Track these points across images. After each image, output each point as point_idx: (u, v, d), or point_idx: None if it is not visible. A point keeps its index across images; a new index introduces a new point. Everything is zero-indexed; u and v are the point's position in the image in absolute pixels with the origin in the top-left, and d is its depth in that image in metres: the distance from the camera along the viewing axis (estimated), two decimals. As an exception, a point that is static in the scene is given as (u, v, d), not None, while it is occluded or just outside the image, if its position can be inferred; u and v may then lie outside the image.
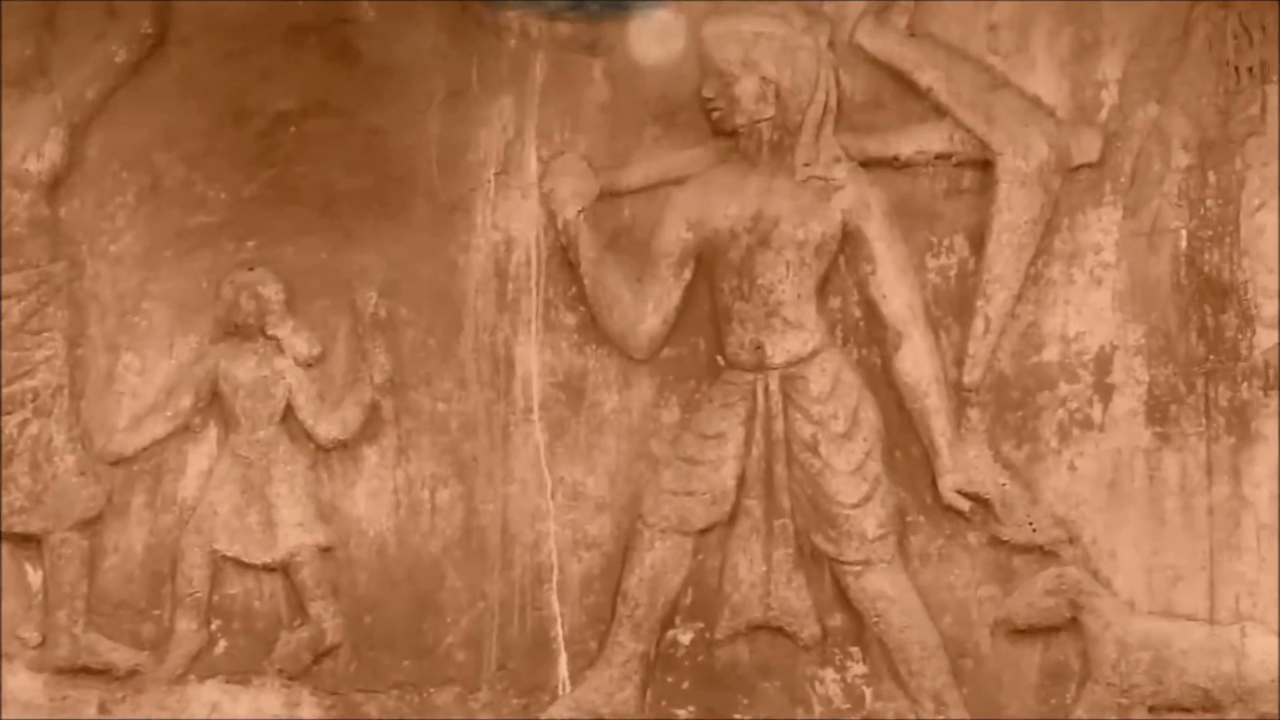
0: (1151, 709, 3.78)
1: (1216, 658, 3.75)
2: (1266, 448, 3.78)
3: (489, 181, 4.00)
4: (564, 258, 3.99)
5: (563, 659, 3.95)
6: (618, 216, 3.98)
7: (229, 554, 4.09)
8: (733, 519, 3.91)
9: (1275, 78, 3.81)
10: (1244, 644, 3.74)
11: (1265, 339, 3.79)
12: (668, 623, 3.95)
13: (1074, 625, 3.82)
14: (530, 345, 4.00)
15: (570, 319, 4.00)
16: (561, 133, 4.00)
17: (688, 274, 3.94)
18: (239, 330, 4.09)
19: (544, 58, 4.01)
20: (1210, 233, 3.82)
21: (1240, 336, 3.81)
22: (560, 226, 3.98)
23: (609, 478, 3.97)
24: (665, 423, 3.96)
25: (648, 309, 3.94)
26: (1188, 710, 3.77)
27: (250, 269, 4.11)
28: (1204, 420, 3.80)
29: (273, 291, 4.07)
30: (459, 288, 4.01)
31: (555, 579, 3.96)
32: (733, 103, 3.90)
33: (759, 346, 3.88)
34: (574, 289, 3.99)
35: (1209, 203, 3.82)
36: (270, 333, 4.07)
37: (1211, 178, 3.82)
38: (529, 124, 4.00)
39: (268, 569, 4.07)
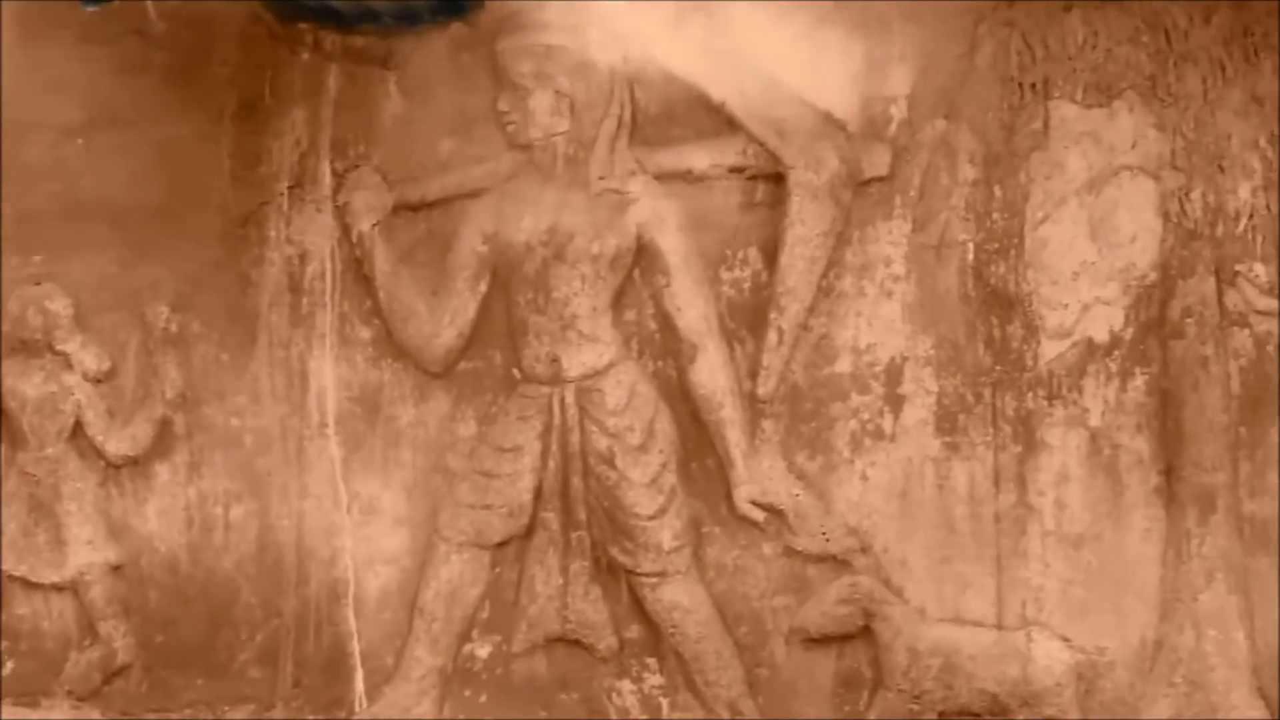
0: (942, 714, 3.84)
1: (1003, 662, 3.81)
2: (1051, 456, 3.86)
3: (283, 194, 3.97)
4: (359, 271, 3.96)
5: (359, 675, 3.94)
6: (413, 230, 3.97)
7: (16, 574, 4.02)
8: (530, 532, 3.92)
9: (1058, 93, 3.90)
10: (1030, 648, 3.81)
11: (1050, 350, 3.87)
12: (465, 637, 3.94)
13: (866, 633, 3.86)
14: (325, 359, 3.98)
15: (365, 333, 3.99)
16: (356, 146, 3.99)
17: (483, 287, 3.95)
18: (25, 346, 4.03)
19: (338, 70, 3.99)
20: (996, 245, 3.89)
21: (1025, 347, 3.89)
22: (355, 240, 3.96)
23: (405, 492, 3.97)
24: (462, 436, 3.96)
25: (443, 322, 3.94)
26: (977, 715, 3.83)
27: (37, 283, 4.05)
28: (991, 430, 3.88)
29: (60, 306, 4.01)
30: (252, 302, 3.98)
31: (351, 594, 3.95)
32: (527, 116, 3.91)
33: (555, 360, 3.90)
34: (369, 303, 3.97)
35: (995, 216, 3.90)
36: (58, 348, 4.01)
37: (997, 191, 3.90)
38: (323, 137, 3.98)
39: (57, 588, 4.00)
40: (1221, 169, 3.76)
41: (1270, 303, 3.74)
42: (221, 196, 3.91)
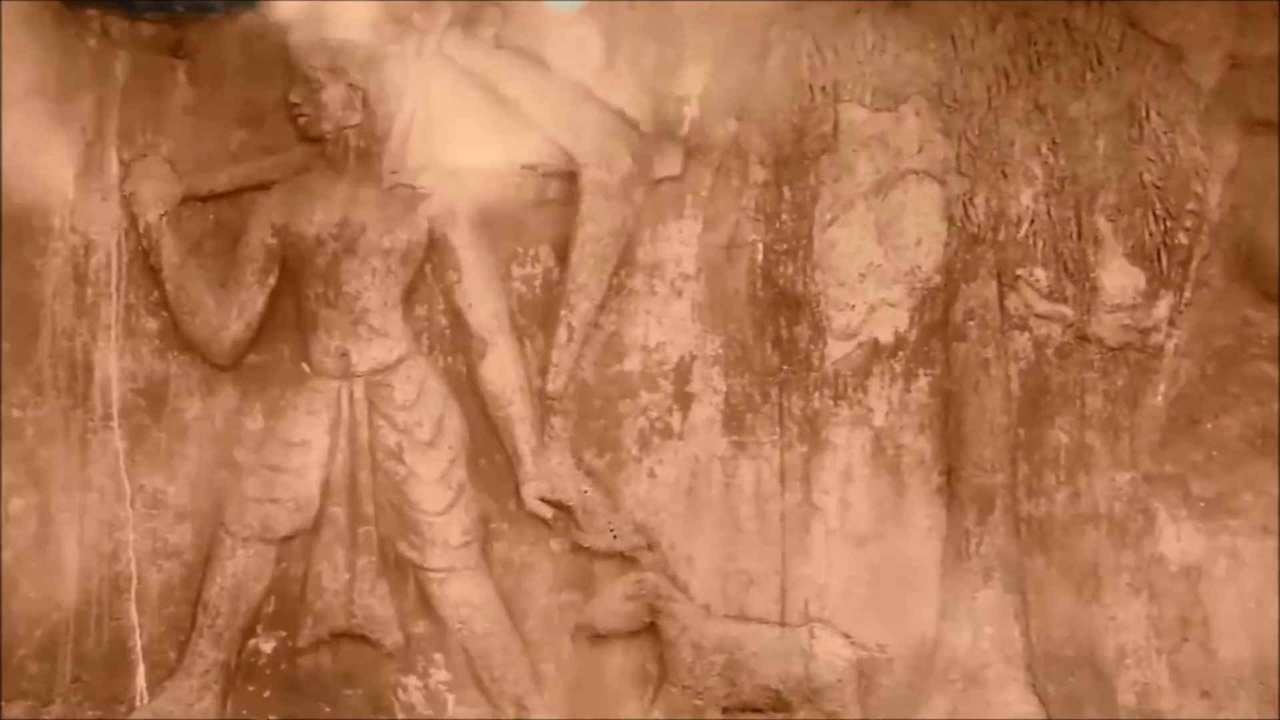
0: (725, 710, 3.89)
1: (786, 659, 3.87)
2: (835, 456, 3.93)
3: (68, 183, 3.95)
4: (145, 262, 3.90)
5: (140, 670, 3.90)
6: (202, 221, 3.93)
7: None
8: (317, 527, 3.90)
9: (847, 97, 3.97)
10: (812, 645, 3.87)
11: (836, 350, 3.93)
12: (249, 631, 3.92)
13: (652, 629, 3.90)
14: (110, 351, 3.93)
15: (152, 324, 3.95)
16: (144, 134, 3.94)
17: (272, 280, 3.93)
18: None
19: (126, 58, 3.94)
20: (785, 246, 3.95)
21: (813, 348, 3.95)
22: (142, 230, 3.91)
23: (191, 486, 3.93)
24: (249, 430, 3.93)
25: (231, 315, 3.92)
26: (759, 710, 3.88)
27: None
28: (778, 429, 3.94)
29: None
30: (35, 292, 3.91)
31: (134, 589, 3.90)
32: (319, 109, 3.90)
33: (344, 354, 3.90)
34: (156, 294, 3.91)
35: (784, 217, 3.95)
36: None
37: (787, 193, 3.95)
38: (110, 125, 3.93)
39: None
40: (1004, 175, 3.83)
41: (1050, 307, 3.83)
42: (3, 185, 3.85)
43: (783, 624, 3.79)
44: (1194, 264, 3.81)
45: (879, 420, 3.82)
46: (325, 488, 3.81)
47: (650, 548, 3.80)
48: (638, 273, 3.82)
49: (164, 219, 3.83)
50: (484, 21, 3.81)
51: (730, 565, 3.79)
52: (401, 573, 3.81)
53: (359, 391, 3.79)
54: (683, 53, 3.83)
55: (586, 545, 3.79)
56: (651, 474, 3.81)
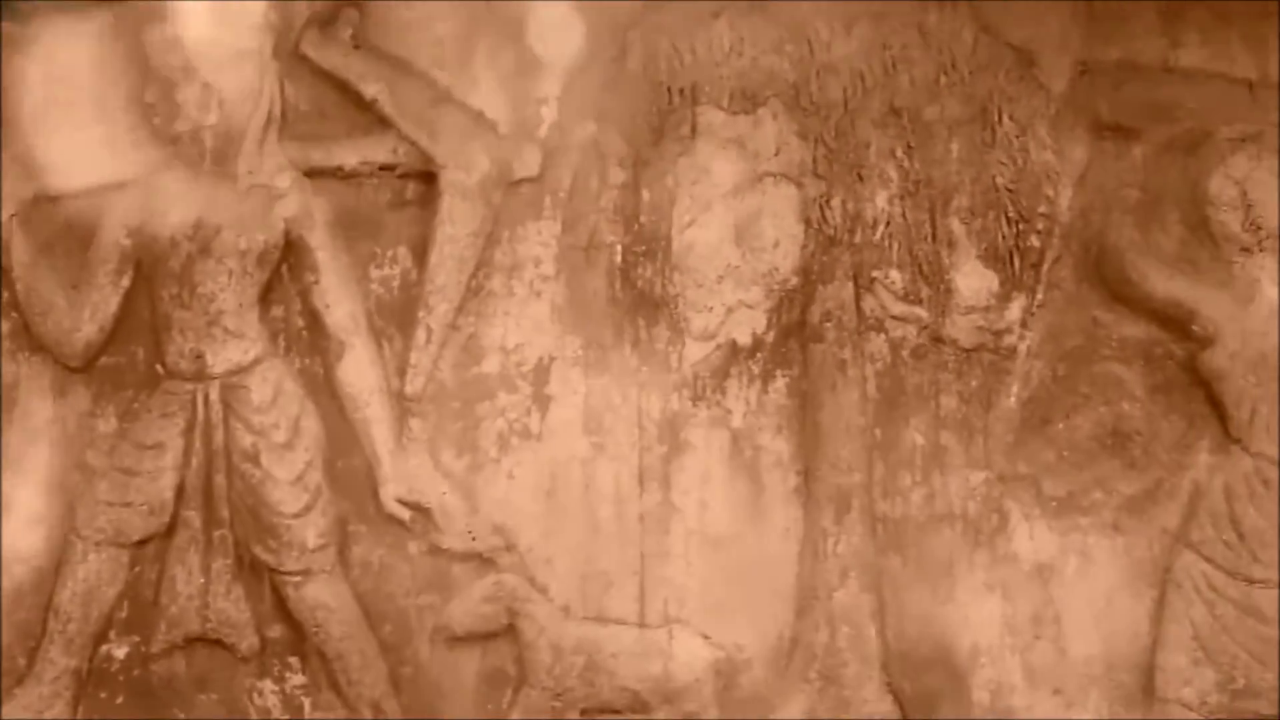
0: (584, 711, 3.89)
1: (645, 660, 3.87)
2: (695, 456, 3.95)
3: (-87, 183, 3.88)
4: (-5, 262, 3.88)
5: (-10, 676, 3.86)
6: (53, 220, 3.92)
7: None
8: (171, 530, 3.86)
9: (705, 99, 4.00)
10: (671, 646, 3.87)
11: (694, 351, 3.96)
12: (101, 637, 3.87)
13: (511, 631, 3.89)
14: (-41, 352, 3.90)
15: (2, 325, 3.92)
16: (-6, 134, 3.90)
17: (126, 281, 3.89)
18: None
19: (-23, 57, 3.91)
20: (644, 248, 3.96)
21: (671, 349, 3.97)
22: (-9, 229, 3.88)
23: (42, 490, 3.89)
24: (102, 433, 3.88)
25: (84, 316, 3.88)
26: (618, 712, 3.89)
27: None
28: (637, 430, 3.96)
29: None
30: (-117, 292, 3.87)
31: (-17, 594, 3.87)
32: (174, 109, 3.88)
33: (199, 356, 3.87)
34: (6, 295, 3.89)
35: (642, 219, 3.97)
36: None
37: (645, 195, 3.97)
38: (-41, 125, 3.90)
39: None
40: (860, 177, 3.88)
41: (905, 308, 3.88)
42: None
43: (642, 625, 3.80)
44: (1045, 266, 3.87)
45: (737, 421, 3.84)
46: (180, 491, 3.78)
47: (509, 549, 3.80)
48: (496, 274, 3.83)
49: (14, 218, 3.77)
50: (341, 21, 3.81)
51: (589, 566, 3.80)
52: (257, 576, 3.79)
53: (214, 394, 3.77)
54: (541, 54, 3.82)
55: (445, 547, 3.79)
56: (510, 475, 3.81)
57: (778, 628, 3.80)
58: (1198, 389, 3.84)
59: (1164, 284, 3.81)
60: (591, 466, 3.80)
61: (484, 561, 3.79)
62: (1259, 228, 3.79)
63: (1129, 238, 3.82)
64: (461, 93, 3.81)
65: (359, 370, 3.78)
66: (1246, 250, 3.80)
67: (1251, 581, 3.73)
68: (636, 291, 3.81)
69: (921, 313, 3.83)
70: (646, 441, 3.80)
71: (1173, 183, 3.84)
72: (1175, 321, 3.83)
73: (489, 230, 3.80)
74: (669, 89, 3.83)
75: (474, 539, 3.77)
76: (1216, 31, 3.85)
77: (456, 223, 3.78)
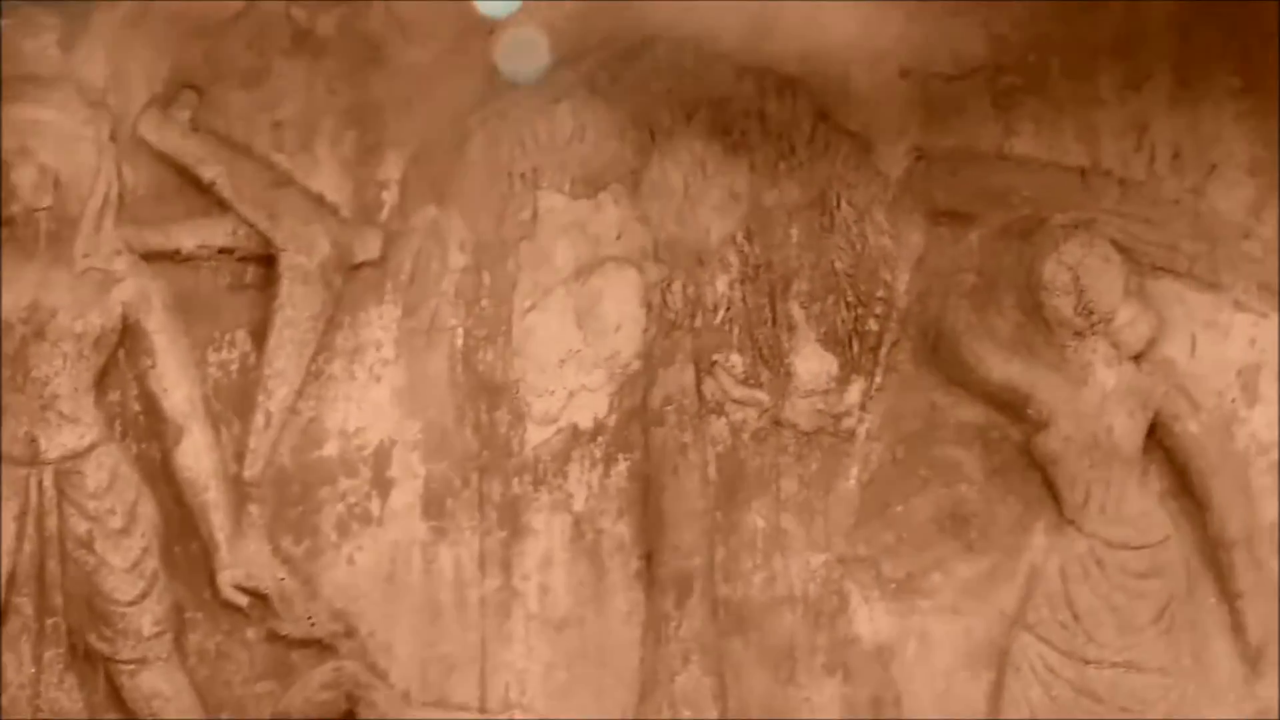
0: (427, 796, 3.88)
1: (487, 745, 3.88)
2: (536, 541, 3.95)
3: None
4: None
5: None
6: (-116, 303, 3.85)
7: None
8: (2, 618, 3.85)
9: (546, 184, 4.03)
10: (512, 731, 3.88)
11: (536, 435, 3.96)
12: (-70, 727, 3.83)
13: (351, 718, 3.91)
14: None
15: None
16: None
17: (-43, 365, 3.85)
18: None
19: None
20: (485, 332, 3.98)
21: (512, 433, 3.97)
22: None
23: None
24: (-68, 518, 3.84)
25: (-83, 399, 3.83)
26: (473, 796, 3.87)
27: None
28: (478, 514, 3.95)
29: None
30: None
31: None
32: (9, 191, 3.86)
33: (33, 440, 3.82)
34: None
35: (484, 303, 3.98)
36: None
37: (486, 278, 3.99)
38: None
39: None
40: (701, 262, 3.91)
41: (745, 392, 3.92)
42: None
43: (483, 710, 3.78)
44: (884, 350, 3.92)
45: (579, 505, 3.85)
46: (11, 578, 3.73)
47: (349, 635, 3.78)
48: (337, 358, 3.82)
49: None
50: (180, 104, 3.80)
51: (430, 651, 3.79)
52: (91, 665, 3.74)
53: (48, 479, 3.72)
54: (383, 138, 3.84)
55: (284, 633, 3.76)
56: (350, 560, 3.80)
57: (620, 711, 3.80)
58: (1034, 471, 3.88)
59: (1000, 367, 3.86)
60: (432, 550, 3.80)
61: (323, 648, 3.76)
62: (1091, 312, 3.85)
63: (965, 322, 3.87)
64: (302, 176, 3.80)
65: (196, 455, 3.76)
66: (1079, 334, 3.86)
67: (1086, 662, 3.78)
68: (478, 375, 3.82)
69: (762, 396, 3.85)
70: (487, 525, 3.80)
71: (1008, 268, 3.90)
72: (1011, 405, 3.88)
73: (329, 314, 3.79)
74: (510, 173, 3.85)
75: (313, 625, 3.75)
76: (1049, 120, 3.92)
77: (296, 306, 3.77)
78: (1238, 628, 3.88)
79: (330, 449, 3.78)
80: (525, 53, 3.82)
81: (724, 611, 3.81)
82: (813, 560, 3.81)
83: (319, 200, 3.79)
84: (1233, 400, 3.90)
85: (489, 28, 3.79)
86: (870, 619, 3.82)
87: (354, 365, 3.80)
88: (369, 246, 3.79)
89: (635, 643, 3.79)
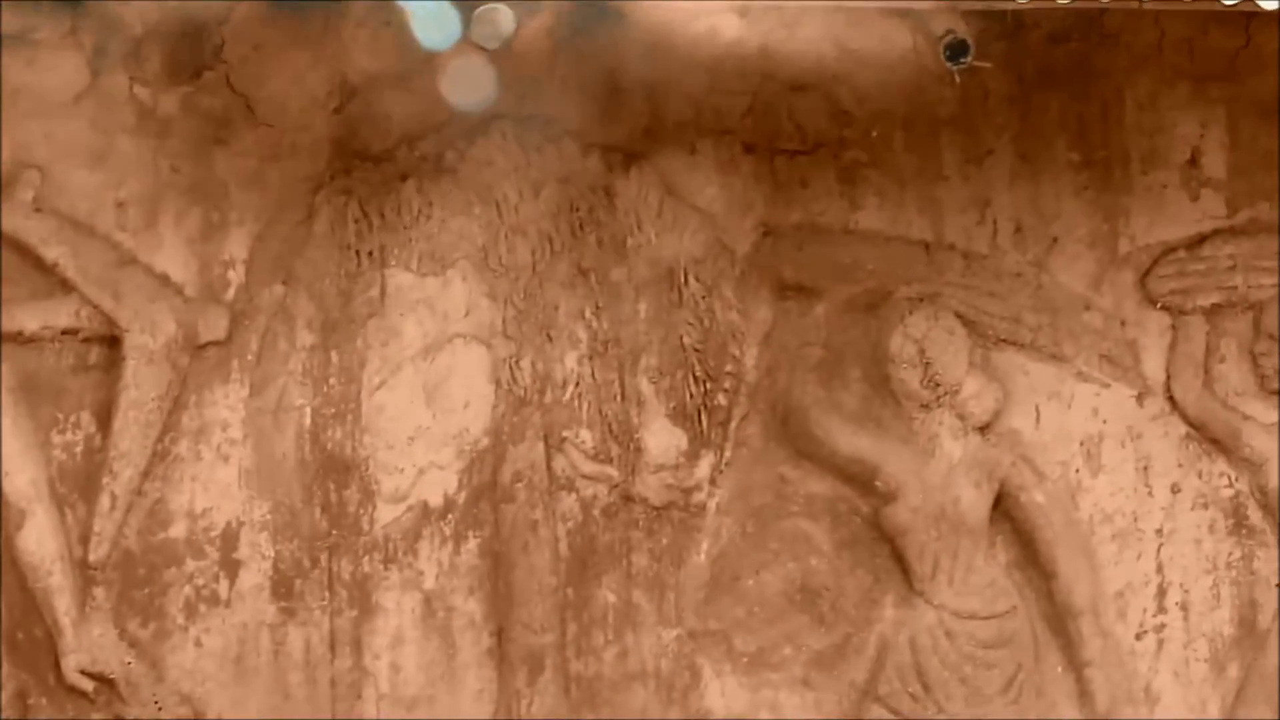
0: None
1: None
2: (386, 620, 3.93)
3: None
4: None
5: None
6: None
7: None
8: None
9: (394, 262, 4.04)
10: (361, 810, 3.84)
11: (386, 514, 3.96)
12: None
13: (195, 803, 3.85)
14: None
15: None
16: None
17: None
18: None
19: None
20: (333, 410, 3.97)
21: (362, 511, 3.96)
22: None
23: None
24: None
25: None
26: None
27: None
28: (327, 594, 3.94)
29: None
30: None
31: None
32: None
33: None
34: None
35: (332, 381, 3.97)
36: None
37: (334, 357, 3.98)
38: None
39: None
40: (550, 338, 3.93)
41: (595, 468, 3.94)
42: None
43: (347, 790, 3.75)
44: (733, 424, 3.95)
45: (429, 583, 3.85)
46: None
47: (196, 718, 3.76)
48: (183, 438, 3.81)
49: None
50: (22, 184, 3.78)
51: (279, 733, 3.77)
52: (-64, 752, 3.69)
53: (-111, 566, 3.67)
54: (228, 217, 3.84)
55: (130, 718, 3.73)
56: (198, 643, 3.78)
57: (474, 789, 3.77)
58: (883, 544, 3.93)
59: (847, 440, 3.90)
60: (281, 632, 3.78)
61: (171, 732, 3.72)
62: (938, 384, 3.90)
63: (813, 395, 3.91)
64: (146, 255, 3.78)
65: (40, 539, 3.73)
66: (926, 407, 3.91)
67: (938, 732, 3.80)
68: (326, 454, 3.81)
69: (612, 471, 3.87)
70: (337, 605, 3.79)
71: (854, 341, 3.94)
72: (859, 477, 3.91)
73: (175, 394, 3.78)
74: (357, 251, 3.85)
75: (160, 709, 3.73)
76: (893, 195, 3.97)
77: (141, 387, 3.76)
78: (1084, 695, 3.91)
79: (177, 530, 3.76)
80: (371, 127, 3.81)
81: (576, 688, 3.81)
82: (664, 635, 3.83)
83: (164, 279, 3.78)
84: (1076, 470, 3.94)
85: (334, 105, 3.77)
86: (722, 693, 3.84)
87: (200, 445, 3.77)
88: (214, 326, 3.78)
89: (487, 720, 3.76)
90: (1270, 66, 3.90)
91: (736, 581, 3.85)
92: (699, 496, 3.84)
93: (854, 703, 3.83)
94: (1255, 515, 3.99)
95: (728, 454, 3.86)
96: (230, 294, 3.78)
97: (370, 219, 3.81)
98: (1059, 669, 3.89)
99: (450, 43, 3.59)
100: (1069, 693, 3.89)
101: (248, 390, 3.76)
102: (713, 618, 3.83)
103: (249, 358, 3.78)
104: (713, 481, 3.85)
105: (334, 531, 3.76)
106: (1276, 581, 3.94)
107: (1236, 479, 3.98)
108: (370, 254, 3.81)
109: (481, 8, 3.51)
